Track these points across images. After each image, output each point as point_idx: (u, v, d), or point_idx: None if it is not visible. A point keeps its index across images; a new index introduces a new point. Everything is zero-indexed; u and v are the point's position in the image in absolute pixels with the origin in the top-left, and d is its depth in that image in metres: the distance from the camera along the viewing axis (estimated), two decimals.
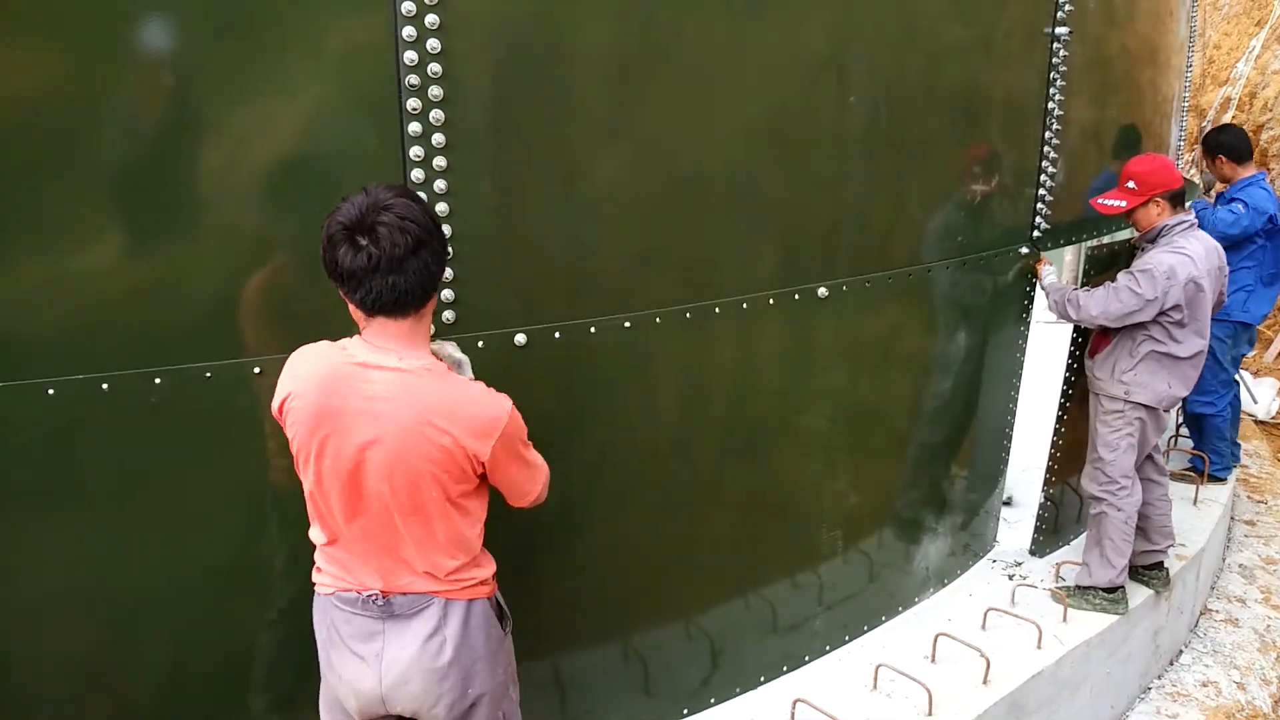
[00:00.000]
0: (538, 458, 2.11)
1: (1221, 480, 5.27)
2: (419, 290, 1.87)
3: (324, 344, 1.96)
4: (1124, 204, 3.64)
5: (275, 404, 1.96)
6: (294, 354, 1.96)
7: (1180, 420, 5.66)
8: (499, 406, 1.95)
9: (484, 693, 2.06)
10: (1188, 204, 5.01)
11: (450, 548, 1.99)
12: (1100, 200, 3.73)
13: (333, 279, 1.87)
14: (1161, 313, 3.53)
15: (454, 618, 2.01)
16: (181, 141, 2.07)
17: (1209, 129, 5.40)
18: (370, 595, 1.97)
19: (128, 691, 2.26)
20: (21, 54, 1.91)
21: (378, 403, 1.87)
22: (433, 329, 2.34)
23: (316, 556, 2.07)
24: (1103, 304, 3.58)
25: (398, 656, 1.98)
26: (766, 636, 3.30)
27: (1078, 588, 3.83)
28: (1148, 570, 3.99)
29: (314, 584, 2.08)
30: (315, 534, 2.04)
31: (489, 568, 2.10)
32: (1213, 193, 5.52)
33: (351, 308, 1.92)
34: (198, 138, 2.08)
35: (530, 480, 2.09)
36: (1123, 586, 3.77)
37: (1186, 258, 3.53)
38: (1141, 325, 3.60)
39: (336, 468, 1.91)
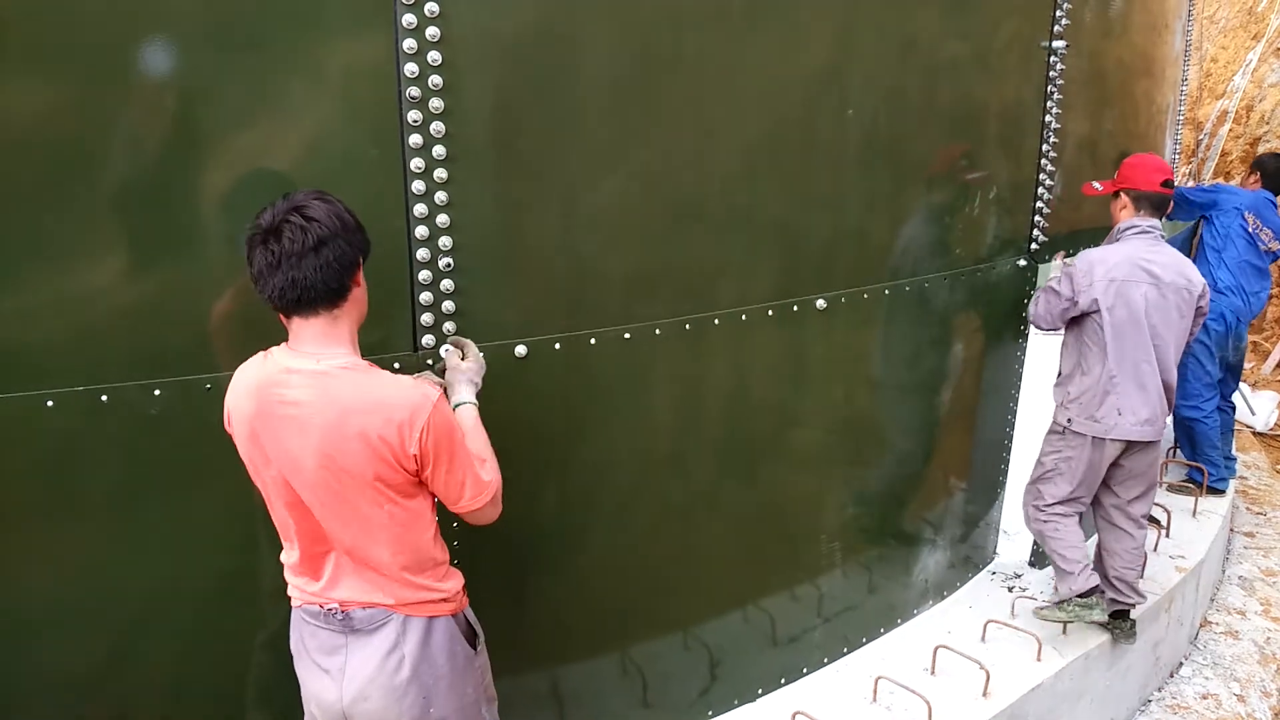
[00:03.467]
0: (483, 470, 2.01)
1: (1220, 492, 5.27)
2: (321, 286, 1.85)
3: (256, 356, 1.96)
4: (1100, 189, 3.69)
5: (225, 422, 1.98)
6: (236, 371, 1.98)
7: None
8: (421, 394, 1.88)
9: (447, 715, 2.04)
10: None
11: (400, 555, 1.96)
12: (1090, 182, 3.79)
13: (254, 284, 1.89)
14: (1087, 316, 3.48)
15: (412, 635, 1.99)
16: (183, 158, 2.07)
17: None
18: (331, 609, 1.97)
19: (127, 704, 2.25)
20: (27, 77, 1.92)
21: (299, 407, 1.86)
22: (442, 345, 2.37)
23: (285, 570, 2.07)
24: (1035, 306, 3.64)
25: (358, 671, 1.97)
26: (765, 649, 3.29)
27: (1056, 603, 3.68)
28: (1112, 619, 3.70)
29: (288, 596, 2.08)
30: (284, 549, 2.05)
31: (453, 583, 2.07)
32: None
33: (281, 317, 1.93)
34: (199, 153, 2.09)
35: (461, 485, 1.97)
36: (1097, 589, 3.56)
37: (1109, 257, 3.47)
38: (1088, 348, 3.53)
39: (277, 478, 1.92)
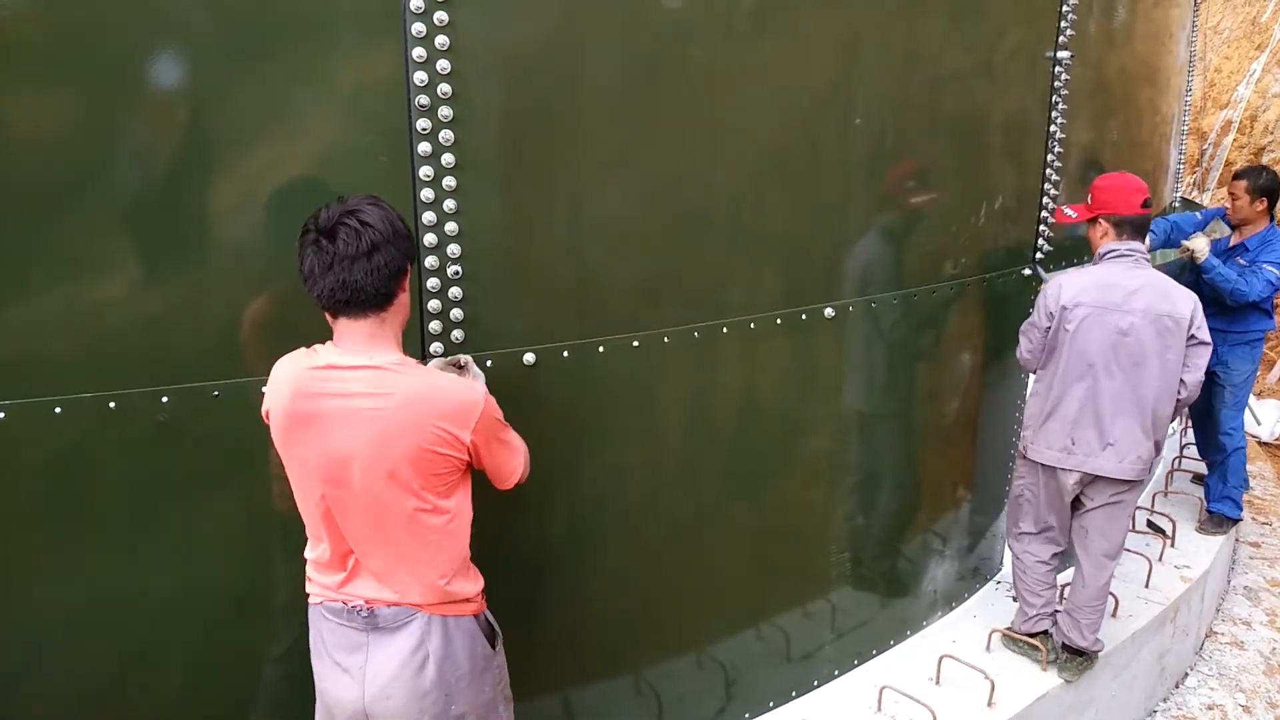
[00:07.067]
0: (515, 439, 2.14)
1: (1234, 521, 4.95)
2: (370, 289, 1.90)
3: (299, 350, 1.99)
4: (1075, 215, 3.48)
5: (263, 411, 2.03)
6: (276, 363, 2.00)
7: (1180, 452, 5.63)
8: (475, 392, 1.99)
9: (467, 711, 2.05)
10: (1194, 240, 4.80)
11: (433, 555, 1.99)
12: (1061, 208, 3.64)
13: (303, 282, 1.93)
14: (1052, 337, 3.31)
15: (436, 633, 2.01)
16: (192, 166, 2.08)
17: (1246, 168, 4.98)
18: (355, 606, 1.98)
19: (135, 713, 2.24)
20: (36, 87, 1.93)
21: (355, 400, 1.89)
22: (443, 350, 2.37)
23: (308, 567, 2.08)
24: (1020, 349, 3.46)
25: (381, 670, 1.98)
26: (779, 665, 3.28)
27: (1011, 634, 3.64)
28: (1064, 648, 3.51)
29: (306, 594, 2.09)
30: (309, 544, 2.07)
31: (476, 584, 2.10)
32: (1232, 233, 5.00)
33: (327, 315, 1.97)
34: (208, 161, 2.09)
35: (510, 462, 2.12)
36: (1046, 632, 3.55)
37: (1080, 279, 3.28)
38: (1048, 370, 3.35)
39: (316, 471, 1.93)
